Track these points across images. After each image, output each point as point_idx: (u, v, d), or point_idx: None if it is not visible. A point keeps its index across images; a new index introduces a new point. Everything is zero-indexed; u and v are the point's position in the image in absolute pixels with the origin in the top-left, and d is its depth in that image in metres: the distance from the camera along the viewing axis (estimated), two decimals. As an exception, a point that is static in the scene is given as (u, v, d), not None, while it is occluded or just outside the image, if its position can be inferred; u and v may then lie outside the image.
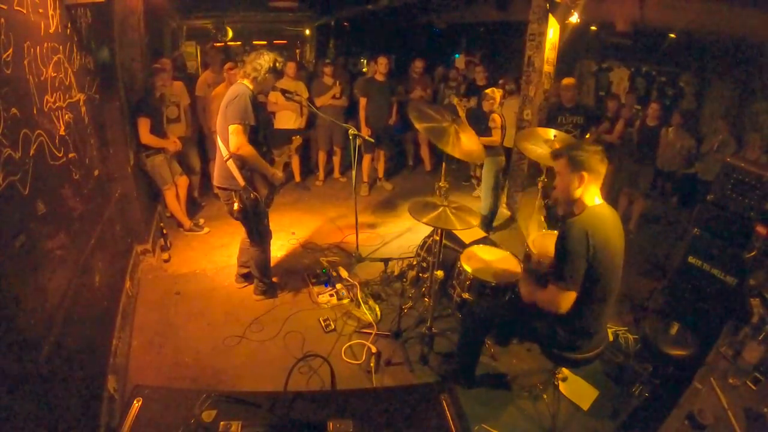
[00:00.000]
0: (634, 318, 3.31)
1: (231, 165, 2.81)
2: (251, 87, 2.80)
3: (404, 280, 3.62)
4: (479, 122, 4.21)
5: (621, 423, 2.47)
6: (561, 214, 2.30)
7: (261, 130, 2.91)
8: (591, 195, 1.99)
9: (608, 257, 1.94)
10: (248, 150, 2.73)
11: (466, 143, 2.76)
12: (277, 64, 2.85)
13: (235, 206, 2.91)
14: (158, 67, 3.99)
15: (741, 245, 2.72)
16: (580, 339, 2.12)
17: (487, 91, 4.23)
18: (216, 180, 2.98)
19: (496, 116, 4.12)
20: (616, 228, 2.02)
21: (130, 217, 3.53)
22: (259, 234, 3.12)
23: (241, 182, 2.85)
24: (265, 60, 2.79)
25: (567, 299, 1.96)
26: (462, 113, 4.40)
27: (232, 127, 2.68)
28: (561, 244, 1.95)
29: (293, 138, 3.49)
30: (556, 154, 2.06)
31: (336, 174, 5.99)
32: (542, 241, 3.01)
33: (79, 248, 2.24)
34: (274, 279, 3.50)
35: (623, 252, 2.04)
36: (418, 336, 2.99)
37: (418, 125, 2.71)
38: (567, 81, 4.48)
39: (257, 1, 7.67)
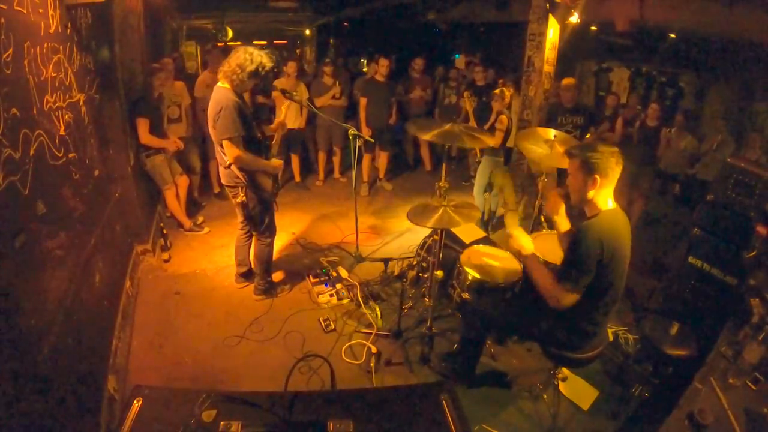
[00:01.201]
0: (634, 318, 3.32)
1: (233, 168, 2.83)
2: (230, 88, 2.68)
3: (404, 280, 3.62)
4: (482, 121, 4.22)
5: (621, 423, 2.47)
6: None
7: (254, 131, 2.85)
8: (604, 198, 1.96)
9: (620, 263, 1.94)
10: (245, 158, 2.73)
11: (477, 134, 2.78)
12: (261, 69, 2.65)
13: (239, 198, 2.92)
14: (156, 66, 3.99)
15: (741, 245, 2.72)
16: (582, 339, 2.12)
17: (497, 90, 4.22)
18: (222, 179, 2.99)
19: (503, 117, 4.11)
20: (627, 233, 2.01)
21: (130, 217, 3.53)
22: (265, 226, 3.14)
23: (245, 181, 2.87)
24: (248, 64, 2.61)
25: (569, 300, 1.95)
26: (470, 109, 4.40)
27: (225, 143, 2.67)
28: (575, 247, 1.93)
29: (279, 112, 3.32)
30: (570, 154, 2.02)
31: (336, 174, 5.99)
32: (543, 241, 3.01)
33: (79, 248, 2.24)
34: (275, 278, 3.50)
35: (629, 256, 2.04)
36: (418, 336, 2.99)
37: (425, 136, 2.70)
38: (567, 81, 4.48)
39: (257, 1, 7.67)
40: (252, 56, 2.63)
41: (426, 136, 2.71)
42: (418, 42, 9.47)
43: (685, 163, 4.93)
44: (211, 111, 2.72)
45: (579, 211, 2.08)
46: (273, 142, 3.08)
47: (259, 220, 3.10)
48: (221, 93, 2.68)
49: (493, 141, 4.08)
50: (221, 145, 2.75)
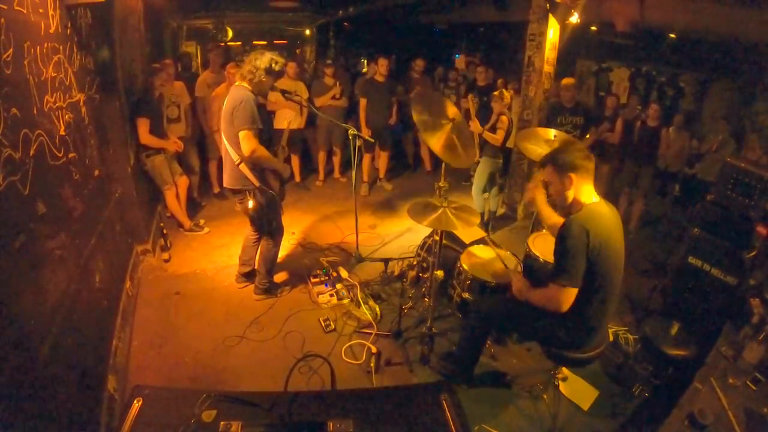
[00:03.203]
0: (635, 318, 3.32)
1: (243, 168, 2.85)
2: (250, 88, 2.80)
3: (404, 280, 3.62)
4: (482, 122, 4.23)
5: (621, 423, 2.47)
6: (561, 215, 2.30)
7: (266, 130, 2.93)
8: (586, 193, 1.99)
9: (610, 255, 1.94)
10: (261, 152, 2.78)
11: (455, 145, 2.67)
12: (274, 65, 2.82)
13: (251, 204, 2.96)
14: (156, 66, 3.99)
15: (741, 245, 2.72)
16: (581, 337, 2.11)
17: (496, 93, 4.24)
18: (227, 182, 3.01)
19: (504, 118, 4.15)
20: (616, 225, 2.02)
21: (130, 217, 3.53)
22: (273, 228, 3.17)
23: (256, 182, 2.90)
24: (262, 62, 2.78)
25: (568, 297, 1.95)
26: (473, 110, 4.42)
27: (242, 134, 2.71)
28: (561, 241, 1.95)
29: (286, 126, 3.54)
30: (541, 164, 2.09)
31: (336, 174, 5.99)
32: (543, 241, 3.02)
33: (79, 248, 2.24)
34: (276, 279, 3.50)
35: (623, 250, 2.04)
36: (418, 336, 2.99)
37: (415, 116, 2.67)
38: (567, 81, 4.48)
39: (257, 1, 7.67)
40: (263, 55, 2.82)
41: (416, 117, 2.65)
42: (418, 42, 9.48)
43: (683, 162, 4.94)
44: (228, 106, 2.78)
45: (566, 214, 2.09)
46: (280, 144, 3.20)
47: (267, 222, 3.12)
48: (241, 90, 2.78)
49: (494, 137, 4.13)
50: (234, 142, 2.78)
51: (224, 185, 3.08)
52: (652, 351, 2.56)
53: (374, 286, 3.57)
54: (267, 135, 2.95)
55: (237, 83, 2.84)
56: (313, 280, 3.56)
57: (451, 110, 2.72)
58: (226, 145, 2.87)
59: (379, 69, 5.16)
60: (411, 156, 6.69)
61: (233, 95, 2.78)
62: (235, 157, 2.84)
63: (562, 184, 1.98)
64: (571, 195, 1.99)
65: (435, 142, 2.64)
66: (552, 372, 2.55)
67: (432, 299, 2.89)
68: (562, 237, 1.95)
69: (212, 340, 2.94)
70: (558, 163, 1.98)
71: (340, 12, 8.56)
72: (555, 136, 3.15)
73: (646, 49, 6.58)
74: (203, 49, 7.66)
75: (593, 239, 1.88)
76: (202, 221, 4.49)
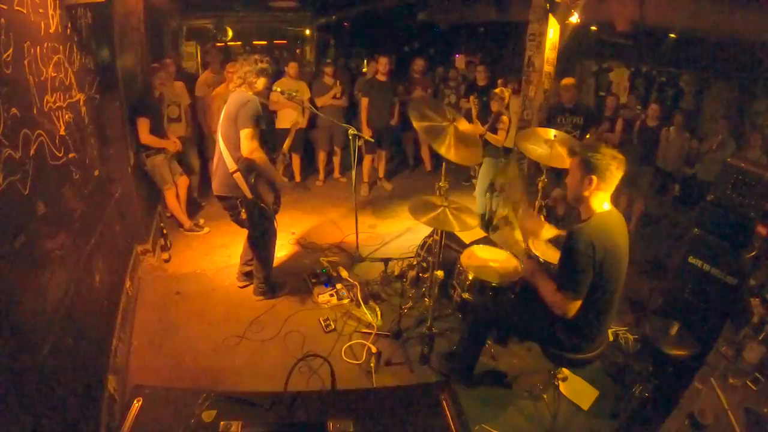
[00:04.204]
0: (634, 318, 3.32)
1: (237, 177, 2.82)
2: (250, 92, 2.81)
3: (404, 280, 3.62)
4: (485, 122, 4.24)
5: (621, 423, 2.47)
6: (561, 215, 2.30)
7: (267, 132, 2.93)
8: (600, 201, 1.96)
9: (615, 265, 1.94)
10: (260, 155, 2.75)
11: (463, 145, 2.64)
12: (259, 64, 2.81)
13: (243, 215, 2.95)
14: (156, 66, 3.99)
15: (741, 245, 2.72)
16: (582, 340, 2.11)
17: (497, 90, 4.23)
18: (217, 189, 2.96)
19: (505, 118, 4.15)
20: (623, 234, 2.00)
21: (130, 217, 3.53)
22: (264, 238, 3.15)
23: (249, 194, 2.87)
24: (247, 64, 2.79)
25: (573, 307, 1.95)
26: (474, 111, 4.41)
27: (244, 132, 2.68)
28: (567, 253, 1.93)
29: (291, 126, 3.53)
30: (572, 152, 2.03)
31: (336, 174, 5.99)
32: (542, 242, 3.01)
33: (79, 248, 2.24)
34: (276, 279, 3.50)
35: (627, 257, 2.04)
36: (418, 336, 2.99)
37: (416, 124, 2.63)
38: (567, 81, 4.48)
39: (257, 1, 7.67)
40: (247, 59, 2.84)
41: (417, 125, 2.62)
42: (418, 42, 9.49)
43: (682, 161, 4.94)
44: (231, 108, 2.76)
45: (571, 213, 2.08)
46: (281, 151, 3.17)
47: (260, 233, 3.11)
48: (243, 93, 2.78)
49: (496, 138, 4.13)
50: (233, 146, 2.76)
51: (214, 191, 3.02)
52: (652, 351, 2.56)
53: (374, 286, 3.56)
54: (269, 136, 2.95)
55: (239, 90, 2.85)
56: (313, 280, 3.55)
57: (449, 112, 2.70)
58: (222, 150, 2.84)
59: (380, 68, 5.15)
60: (411, 156, 6.69)
61: (236, 98, 2.77)
62: (231, 165, 2.81)
63: (581, 181, 1.93)
64: (586, 194, 1.94)
65: (440, 147, 2.57)
66: (552, 372, 2.55)
67: (432, 299, 2.89)
68: (569, 249, 1.92)
69: (212, 340, 2.94)
70: (587, 161, 1.90)
71: (341, 12, 8.58)
72: (555, 136, 3.15)
73: (646, 49, 6.57)
74: (203, 49, 7.68)
75: (599, 251, 1.86)
76: (202, 221, 4.49)
